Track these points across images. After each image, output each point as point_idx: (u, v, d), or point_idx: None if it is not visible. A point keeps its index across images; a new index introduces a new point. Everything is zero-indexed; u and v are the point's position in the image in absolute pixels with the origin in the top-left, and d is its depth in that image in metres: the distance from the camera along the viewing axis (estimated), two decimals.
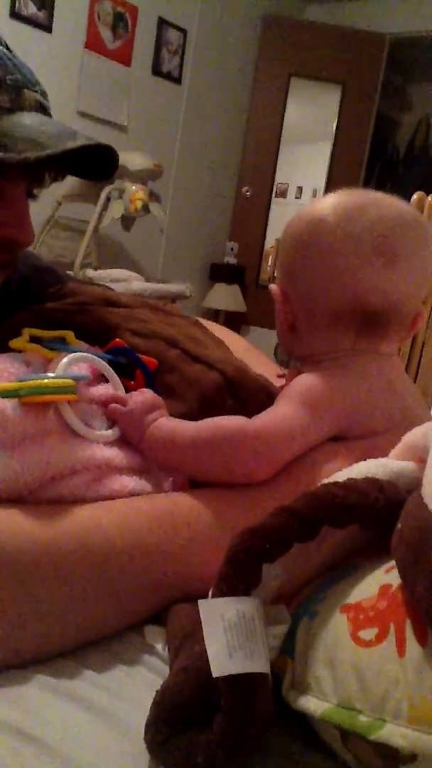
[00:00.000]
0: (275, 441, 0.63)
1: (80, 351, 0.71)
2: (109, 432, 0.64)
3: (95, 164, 0.76)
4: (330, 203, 0.71)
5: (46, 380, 0.60)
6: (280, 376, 0.82)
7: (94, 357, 0.69)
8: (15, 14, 3.28)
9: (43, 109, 0.71)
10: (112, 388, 0.69)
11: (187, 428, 0.64)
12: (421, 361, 2.65)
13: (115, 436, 0.64)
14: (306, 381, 0.67)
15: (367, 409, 0.67)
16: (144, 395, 0.68)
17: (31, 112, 0.68)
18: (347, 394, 0.66)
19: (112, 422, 0.66)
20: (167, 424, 0.66)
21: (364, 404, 0.67)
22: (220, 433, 0.63)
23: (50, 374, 0.62)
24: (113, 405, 0.66)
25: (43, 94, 0.73)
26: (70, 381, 0.61)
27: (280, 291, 0.74)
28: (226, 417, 0.65)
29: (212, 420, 0.65)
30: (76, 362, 0.67)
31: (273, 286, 0.74)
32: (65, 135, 0.66)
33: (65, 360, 0.65)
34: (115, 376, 0.70)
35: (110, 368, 0.70)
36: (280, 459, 0.63)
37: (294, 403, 0.65)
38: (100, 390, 0.68)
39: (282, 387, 0.73)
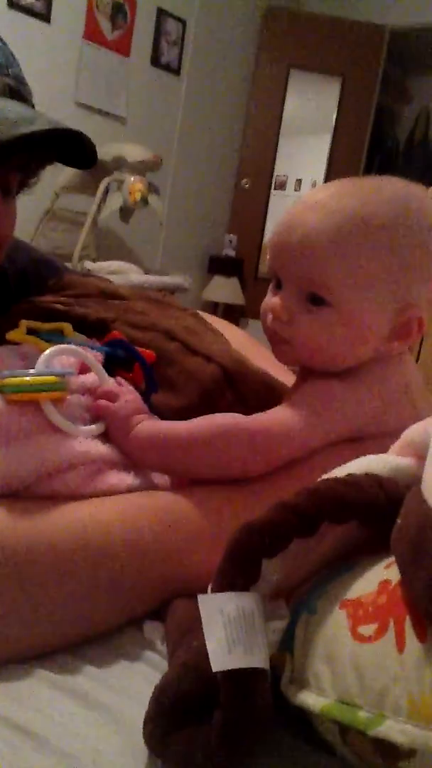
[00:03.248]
0: (272, 437, 0.62)
1: (75, 342, 0.71)
2: (93, 427, 0.63)
3: (81, 150, 0.73)
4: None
5: (27, 378, 0.59)
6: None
7: (77, 348, 0.67)
8: (13, 4, 3.26)
9: (15, 94, 0.69)
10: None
11: (179, 426, 0.64)
12: (420, 355, 2.65)
13: (99, 431, 0.64)
14: (319, 386, 0.65)
15: (380, 414, 0.65)
16: (134, 395, 0.67)
17: None
18: (361, 402, 0.65)
19: (96, 416, 0.65)
20: (155, 424, 0.65)
21: (378, 411, 0.65)
22: (215, 428, 0.62)
23: (32, 371, 0.61)
24: (102, 401, 0.65)
25: (16, 78, 0.70)
26: (52, 378, 0.60)
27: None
28: (219, 414, 0.65)
29: (205, 417, 0.64)
30: (59, 355, 0.65)
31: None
32: (23, 120, 0.64)
33: (45, 354, 0.64)
34: (100, 367, 0.69)
35: (93, 359, 0.69)
36: (277, 456, 0.63)
37: (299, 405, 0.64)
38: (89, 379, 0.67)
39: (294, 385, 0.72)
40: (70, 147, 0.72)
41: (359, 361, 0.66)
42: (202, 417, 0.64)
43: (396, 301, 0.64)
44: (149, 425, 0.64)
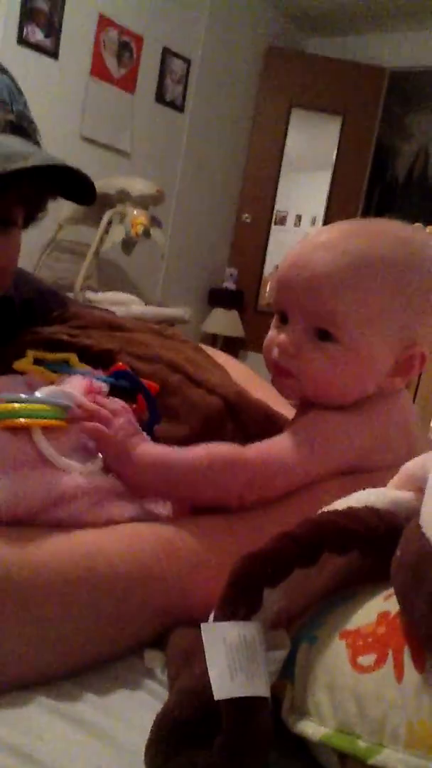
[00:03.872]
0: (269, 471, 0.63)
1: (82, 373, 0.72)
2: (88, 465, 0.61)
3: (82, 185, 0.73)
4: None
5: (17, 405, 0.59)
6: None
7: (71, 393, 0.65)
8: (22, 41, 3.34)
9: (16, 130, 0.70)
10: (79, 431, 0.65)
11: (178, 454, 0.63)
12: (419, 390, 2.66)
13: (95, 468, 0.62)
14: (318, 419, 0.66)
15: (378, 448, 0.66)
16: (126, 417, 0.65)
17: None
18: (360, 436, 0.66)
19: (87, 459, 0.63)
20: (154, 448, 0.64)
21: (376, 445, 0.66)
22: (213, 459, 0.62)
23: (23, 396, 0.61)
24: (94, 425, 0.63)
25: (19, 114, 0.72)
26: (42, 406, 0.59)
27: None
28: (218, 444, 0.65)
29: (205, 446, 0.64)
30: (61, 389, 0.65)
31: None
32: (17, 155, 0.64)
33: (49, 387, 0.63)
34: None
35: (87, 403, 0.66)
36: (273, 489, 0.64)
37: (298, 437, 0.65)
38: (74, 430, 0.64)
39: (294, 417, 0.73)
40: (72, 182, 0.73)
41: (363, 396, 0.67)
42: (201, 446, 0.64)
43: (401, 338, 0.65)
44: (148, 449, 0.63)
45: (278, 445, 0.65)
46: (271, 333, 0.70)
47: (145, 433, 0.66)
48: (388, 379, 0.67)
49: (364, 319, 0.64)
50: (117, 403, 0.66)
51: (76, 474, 0.60)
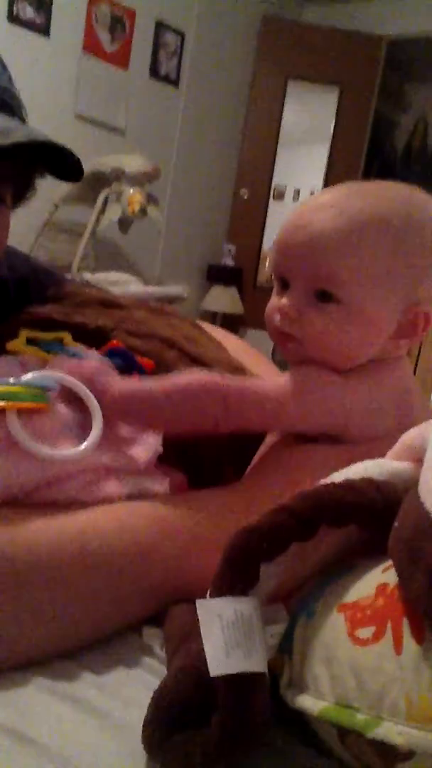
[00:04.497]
0: (244, 399, 0.64)
1: (76, 352, 0.71)
2: (65, 452, 0.58)
3: (68, 162, 0.71)
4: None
5: None
6: None
7: (65, 377, 0.64)
8: (13, 18, 3.29)
9: (0, 105, 0.69)
10: (73, 409, 0.64)
11: (154, 384, 0.65)
12: (419, 359, 2.66)
13: (80, 455, 0.58)
14: (316, 372, 0.66)
15: (372, 416, 0.65)
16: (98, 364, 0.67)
17: None
18: (354, 399, 0.65)
19: (83, 438, 0.61)
20: (130, 381, 0.66)
21: (369, 411, 0.65)
22: (192, 384, 0.64)
23: (10, 380, 0.59)
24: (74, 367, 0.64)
25: (2, 90, 0.70)
26: (19, 388, 0.58)
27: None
28: (198, 370, 0.67)
29: (184, 373, 0.66)
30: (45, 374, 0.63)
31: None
32: None
33: (32, 374, 0.62)
34: (86, 391, 0.65)
35: (78, 384, 0.64)
36: (247, 417, 0.65)
37: (284, 379, 0.65)
38: (63, 409, 0.63)
39: None
40: (59, 159, 0.72)
41: (367, 359, 0.66)
42: (179, 374, 0.66)
43: (404, 298, 0.65)
44: (124, 382, 0.65)
45: (263, 382, 0.66)
46: (272, 300, 0.69)
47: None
48: (392, 341, 0.66)
49: (366, 278, 0.63)
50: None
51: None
